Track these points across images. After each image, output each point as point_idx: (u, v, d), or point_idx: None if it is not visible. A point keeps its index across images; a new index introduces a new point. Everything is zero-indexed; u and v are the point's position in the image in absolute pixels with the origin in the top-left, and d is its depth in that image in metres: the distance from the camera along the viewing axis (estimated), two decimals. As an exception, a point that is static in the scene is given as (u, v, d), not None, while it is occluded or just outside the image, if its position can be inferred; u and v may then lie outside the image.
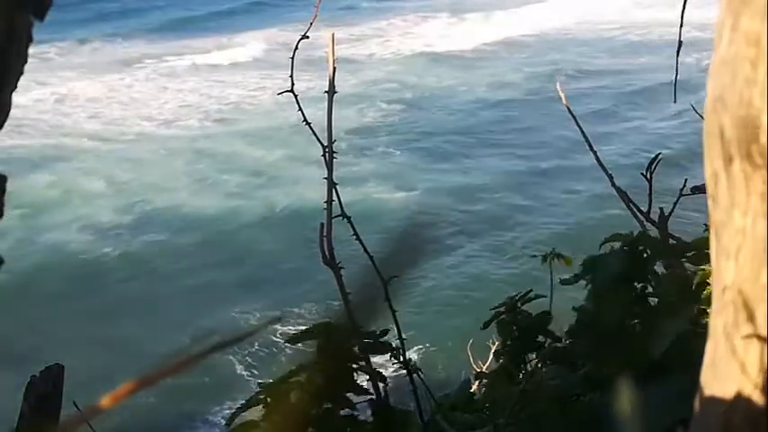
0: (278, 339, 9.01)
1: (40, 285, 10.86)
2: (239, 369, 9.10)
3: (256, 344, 9.11)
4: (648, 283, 1.79)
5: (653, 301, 1.79)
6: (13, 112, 0.58)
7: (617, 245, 1.83)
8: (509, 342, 2.11)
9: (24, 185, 13.27)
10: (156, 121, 17.84)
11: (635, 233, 1.88)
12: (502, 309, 2.11)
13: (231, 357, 9.09)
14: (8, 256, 0.63)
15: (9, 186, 0.58)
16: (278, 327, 9.08)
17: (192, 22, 27.98)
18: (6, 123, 0.58)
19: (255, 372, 8.93)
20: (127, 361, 8.57)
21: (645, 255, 1.80)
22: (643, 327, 1.69)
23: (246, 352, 9.17)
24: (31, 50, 0.59)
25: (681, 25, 2.11)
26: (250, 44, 24.46)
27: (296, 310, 9.96)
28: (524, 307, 2.12)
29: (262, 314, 9.97)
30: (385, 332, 1.83)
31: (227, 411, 7.54)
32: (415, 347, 8.53)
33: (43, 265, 11.37)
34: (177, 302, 10.55)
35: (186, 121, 17.81)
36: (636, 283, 1.78)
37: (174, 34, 26.18)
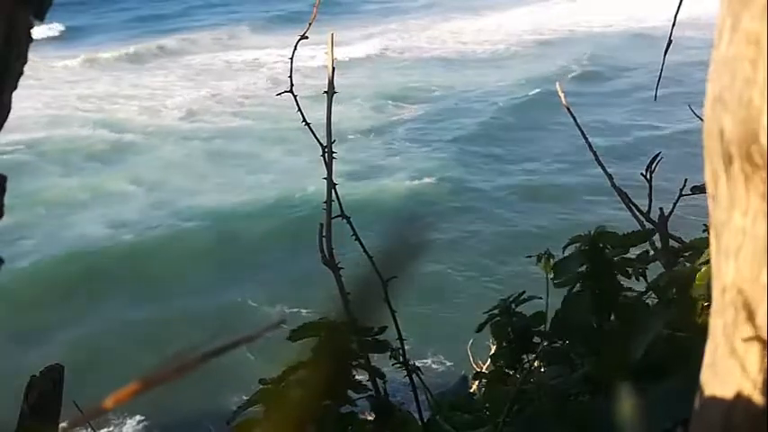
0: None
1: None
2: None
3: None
4: (614, 279, 1.79)
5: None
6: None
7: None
8: (504, 344, 2.11)
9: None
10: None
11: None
12: (496, 311, 2.11)
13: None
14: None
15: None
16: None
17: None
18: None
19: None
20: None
21: (606, 251, 1.81)
22: (620, 327, 1.69)
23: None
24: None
25: (673, 24, 2.11)
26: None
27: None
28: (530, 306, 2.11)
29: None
30: (383, 329, 1.83)
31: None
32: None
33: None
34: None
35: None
36: (602, 282, 1.78)
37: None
